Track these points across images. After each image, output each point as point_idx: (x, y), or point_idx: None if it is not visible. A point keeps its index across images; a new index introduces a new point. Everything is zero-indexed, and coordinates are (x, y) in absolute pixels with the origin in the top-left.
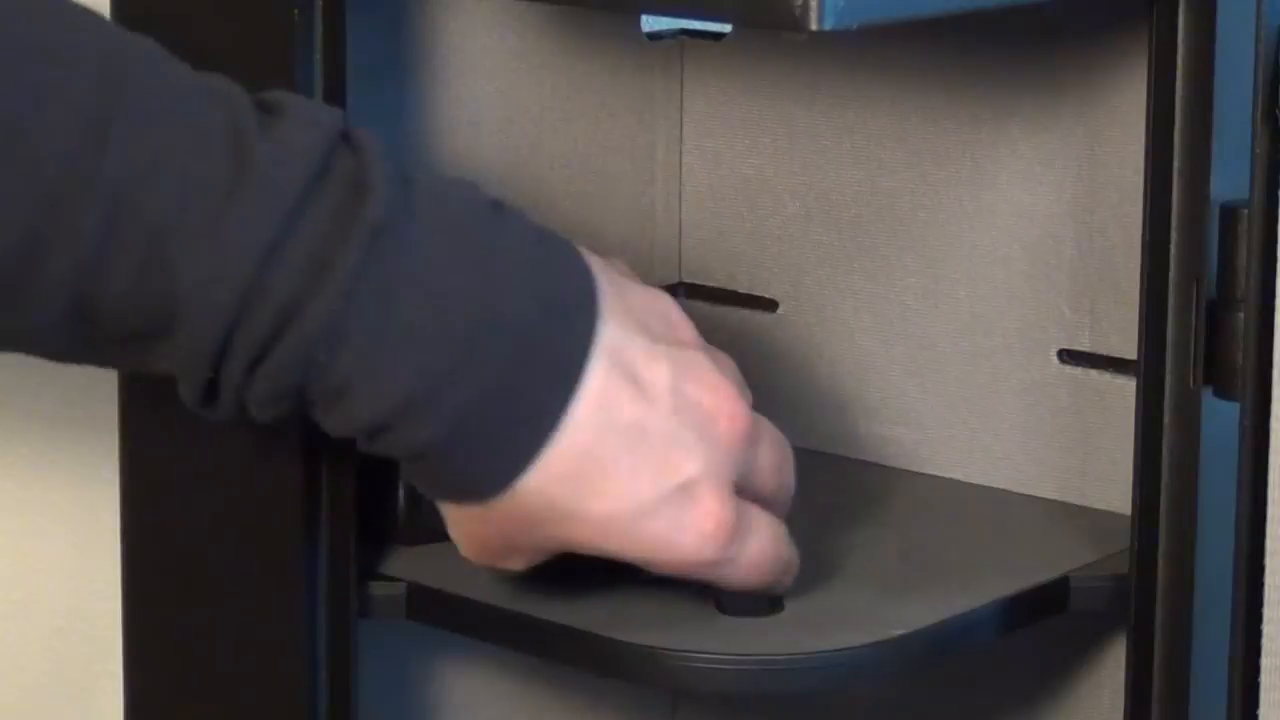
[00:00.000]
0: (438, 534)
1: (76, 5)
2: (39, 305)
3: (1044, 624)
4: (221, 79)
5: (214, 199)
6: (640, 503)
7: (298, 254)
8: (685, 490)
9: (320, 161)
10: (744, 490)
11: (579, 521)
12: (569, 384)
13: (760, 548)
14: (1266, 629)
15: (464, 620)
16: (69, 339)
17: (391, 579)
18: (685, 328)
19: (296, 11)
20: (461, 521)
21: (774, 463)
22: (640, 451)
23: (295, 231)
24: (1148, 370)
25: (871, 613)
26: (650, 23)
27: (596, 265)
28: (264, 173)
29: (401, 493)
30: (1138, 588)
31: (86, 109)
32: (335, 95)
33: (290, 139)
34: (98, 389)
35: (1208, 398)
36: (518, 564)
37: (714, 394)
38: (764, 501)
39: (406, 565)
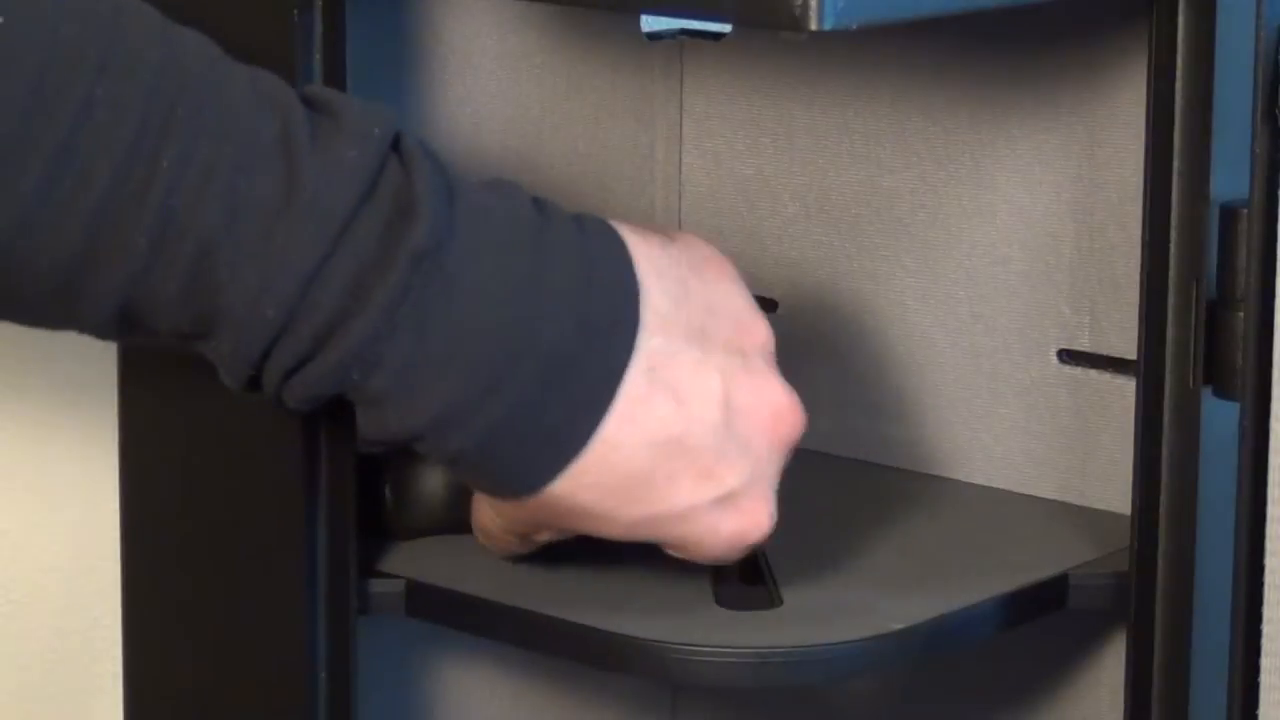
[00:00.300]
0: (426, 530)
1: (134, 4)
2: (89, 308)
3: (1044, 622)
4: (272, 79)
5: (262, 217)
6: (676, 509)
7: (341, 275)
8: (726, 499)
9: (369, 180)
10: None
11: (610, 522)
12: (600, 403)
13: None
14: (1266, 629)
15: (463, 616)
16: (116, 331)
17: (391, 576)
18: (757, 328)
19: (296, 11)
20: (493, 500)
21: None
22: (679, 463)
23: (340, 252)
24: (1147, 370)
25: (871, 607)
26: (650, 23)
27: (656, 264)
28: (313, 192)
29: (388, 490)
30: (1138, 588)
31: (139, 125)
32: None
33: (340, 154)
34: (98, 389)
35: (1208, 398)
36: (543, 538)
37: (771, 403)
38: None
39: (406, 562)
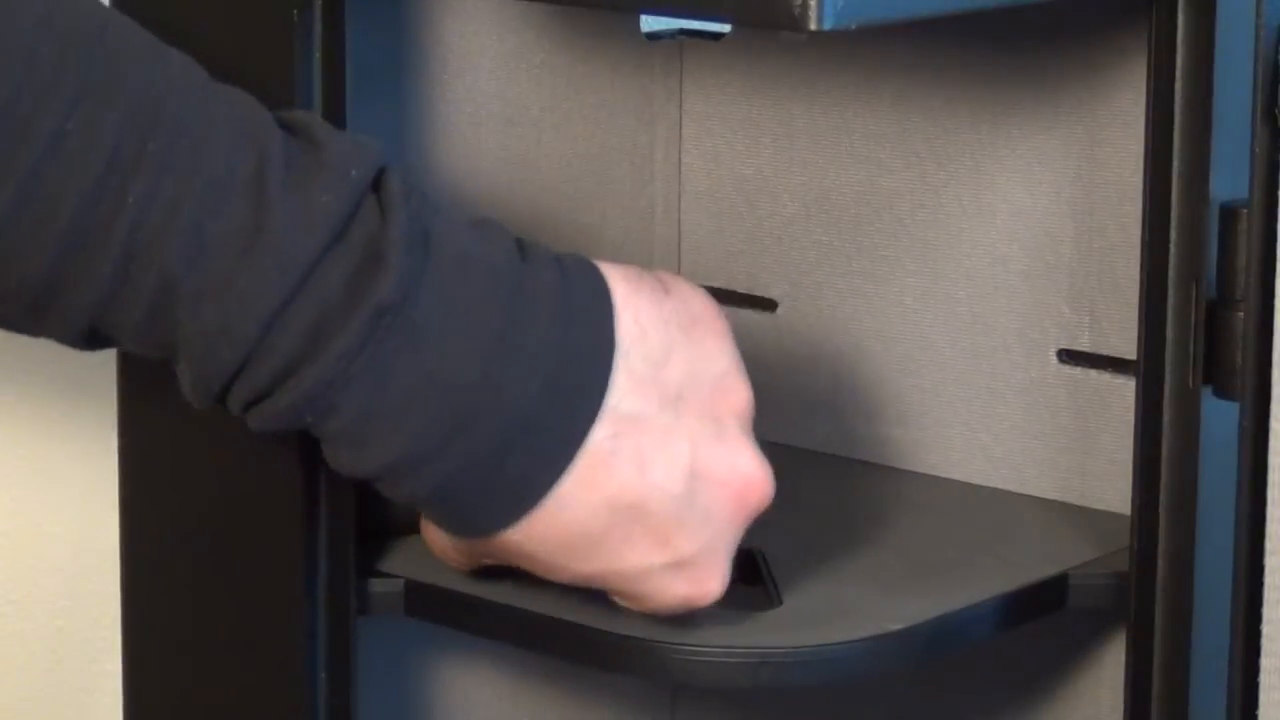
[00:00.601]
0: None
1: (122, 26)
2: (58, 325)
3: (1044, 622)
4: (253, 109)
5: (226, 257)
6: (626, 569)
7: (300, 321)
8: (679, 565)
9: (339, 225)
10: None
11: (559, 571)
12: (558, 463)
13: None
14: (1266, 629)
15: (463, 616)
16: (87, 345)
17: (390, 576)
18: (737, 393)
19: (296, 11)
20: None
21: None
22: (635, 527)
23: (300, 298)
24: (1147, 370)
25: (870, 608)
26: (650, 23)
27: (642, 320)
28: (279, 234)
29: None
30: (1137, 588)
31: (109, 157)
32: (335, 95)
33: (313, 196)
34: (97, 389)
35: (1208, 398)
36: (490, 562)
37: (742, 474)
38: None
39: (405, 562)
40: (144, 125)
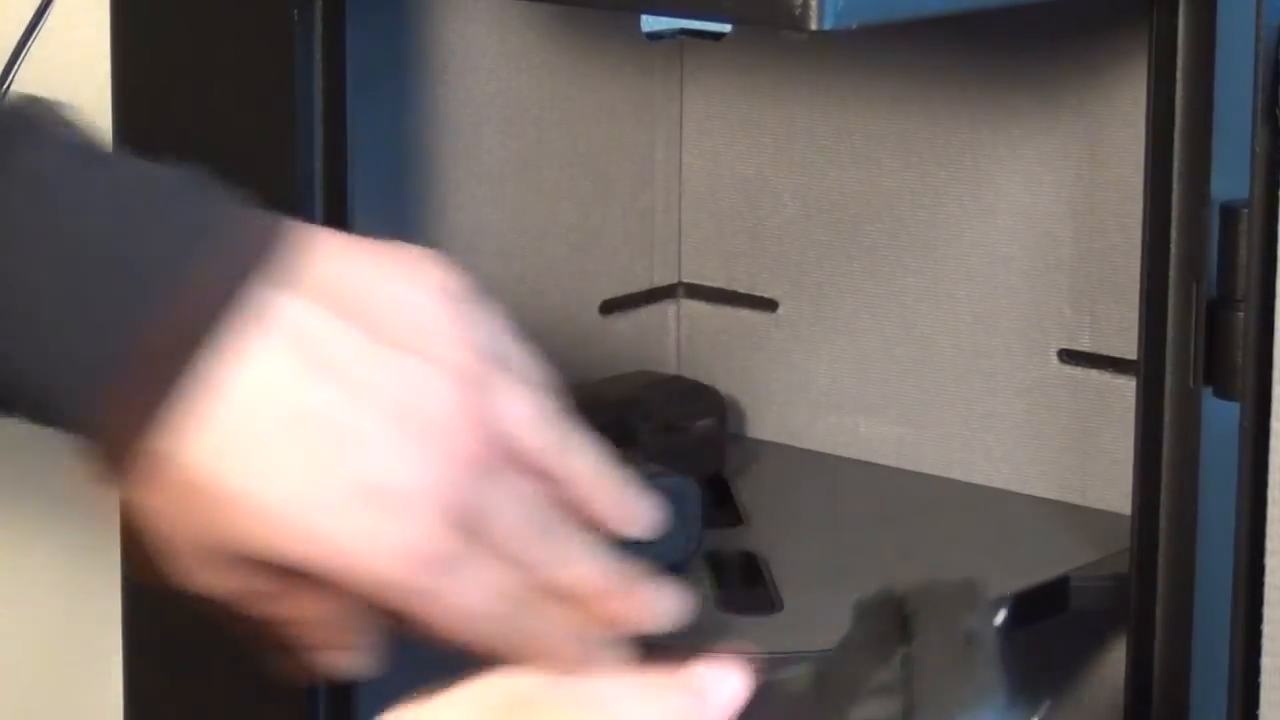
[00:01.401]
0: None
1: None
2: None
3: (1044, 624)
4: None
5: None
6: (320, 496)
7: None
8: (383, 496)
9: None
10: (473, 527)
11: (250, 506)
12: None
13: (479, 594)
14: (1266, 629)
15: None
16: None
17: None
18: (448, 340)
19: (296, 11)
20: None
21: (523, 514)
22: (322, 440)
23: None
24: (1148, 370)
25: None
26: (650, 23)
27: (328, 264)
28: None
29: None
30: (1138, 588)
31: None
32: (335, 95)
33: None
34: None
35: (1208, 398)
36: (225, 576)
37: (432, 398)
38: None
39: None
40: None
